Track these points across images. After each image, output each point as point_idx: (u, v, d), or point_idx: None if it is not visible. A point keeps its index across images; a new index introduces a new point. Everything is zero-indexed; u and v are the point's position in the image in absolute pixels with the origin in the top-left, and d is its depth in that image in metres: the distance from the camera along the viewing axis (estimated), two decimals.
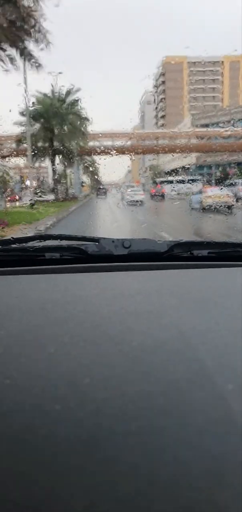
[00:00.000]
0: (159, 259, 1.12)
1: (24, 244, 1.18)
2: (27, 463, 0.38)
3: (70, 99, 26.36)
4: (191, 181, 23.87)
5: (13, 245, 1.16)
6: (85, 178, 35.93)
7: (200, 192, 14.93)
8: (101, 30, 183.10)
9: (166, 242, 1.15)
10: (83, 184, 43.55)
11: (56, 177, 26.11)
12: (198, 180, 26.95)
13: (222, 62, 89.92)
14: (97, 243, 1.13)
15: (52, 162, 25.72)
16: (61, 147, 24.53)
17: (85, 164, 30.99)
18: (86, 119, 27.88)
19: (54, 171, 26.26)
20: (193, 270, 1.07)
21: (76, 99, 26.77)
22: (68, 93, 26.28)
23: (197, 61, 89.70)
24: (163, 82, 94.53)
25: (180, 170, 41.36)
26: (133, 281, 0.98)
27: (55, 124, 24.39)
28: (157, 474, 0.36)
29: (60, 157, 26.26)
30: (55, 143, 24.64)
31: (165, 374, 0.53)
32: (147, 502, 0.33)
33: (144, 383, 0.51)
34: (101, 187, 27.09)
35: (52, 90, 25.28)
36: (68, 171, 29.59)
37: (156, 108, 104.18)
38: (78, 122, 26.50)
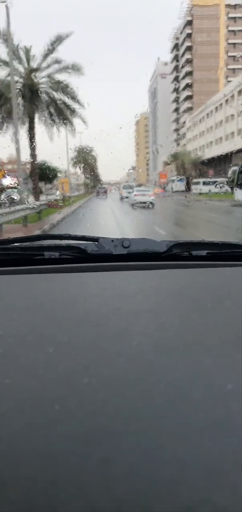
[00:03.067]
0: (158, 259, 1.12)
1: (23, 243, 1.18)
2: (26, 463, 0.38)
3: None
4: None
5: (13, 245, 1.16)
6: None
7: None
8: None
9: (165, 242, 1.14)
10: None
11: None
12: None
13: None
14: (96, 243, 1.13)
15: None
16: None
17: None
18: None
19: None
20: (192, 270, 1.08)
21: None
22: None
23: (240, 3, 61.53)
24: (189, 36, 66.37)
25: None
26: (132, 281, 0.98)
27: None
28: (157, 474, 0.37)
29: None
30: None
31: (164, 374, 0.53)
32: (146, 502, 0.34)
33: (143, 383, 0.51)
34: (101, 186, 27.73)
35: None
36: None
37: (177, 78, 76.29)
38: None
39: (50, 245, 1.15)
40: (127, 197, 21.17)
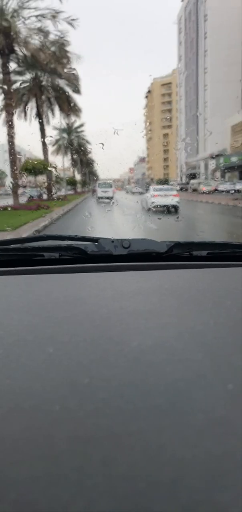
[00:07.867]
0: (158, 259, 1.14)
1: (23, 244, 1.18)
2: (27, 463, 0.39)
3: None
4: None
5: (13, 245, 1.17)
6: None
7: None
8: None
9: (165, 242, 1.16)
10: None
11: None
12: None
13: None
14: (96, 243, 1.15)
15: None
16: None
17: None
18: None
19: None
20: (192, 270, 1.09)
21: None
22: None
23: None
24: None
25: None
26: (132, 281, 0.99)
27: None
28: (157, 474, 0.37)
29: None
30: None
31: (164, 374, 0.53)
32: (146, 502, 0.34)
33: (143, 383, 0.51)
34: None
35: None
36: None
37: None
38: None
39: (50, 246, 1.17)
40: (102, 198, 19.22)
